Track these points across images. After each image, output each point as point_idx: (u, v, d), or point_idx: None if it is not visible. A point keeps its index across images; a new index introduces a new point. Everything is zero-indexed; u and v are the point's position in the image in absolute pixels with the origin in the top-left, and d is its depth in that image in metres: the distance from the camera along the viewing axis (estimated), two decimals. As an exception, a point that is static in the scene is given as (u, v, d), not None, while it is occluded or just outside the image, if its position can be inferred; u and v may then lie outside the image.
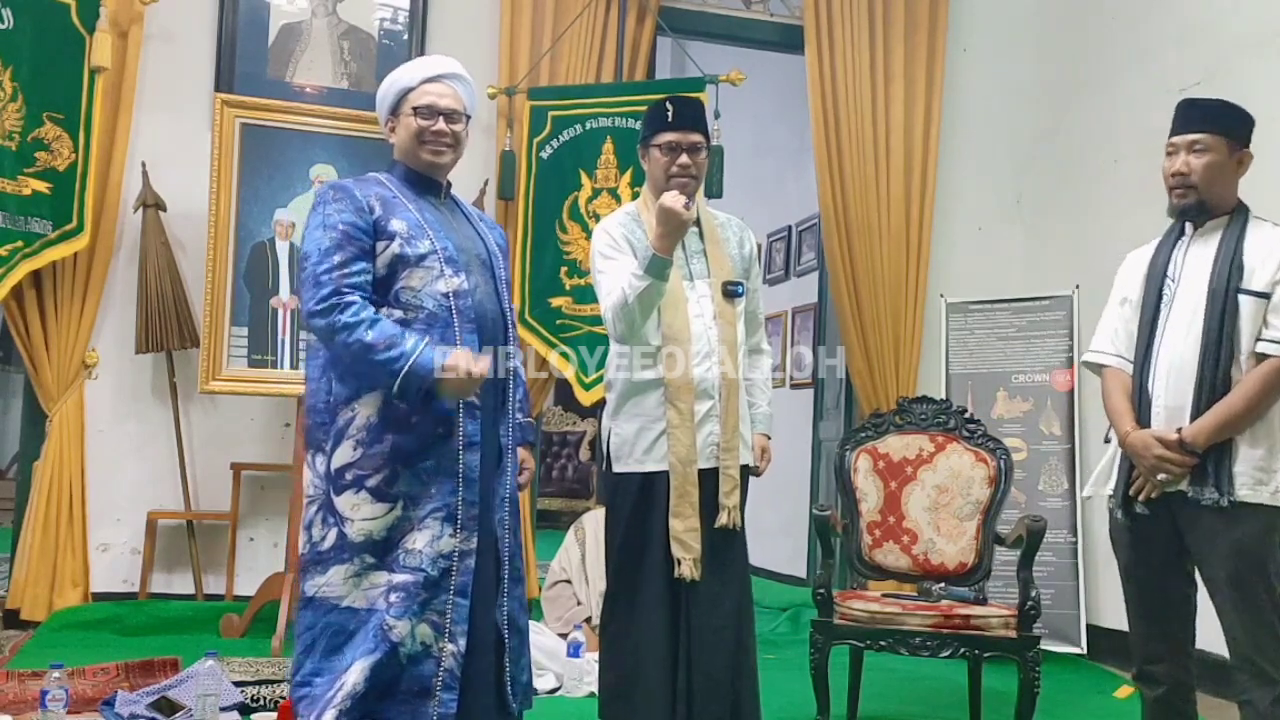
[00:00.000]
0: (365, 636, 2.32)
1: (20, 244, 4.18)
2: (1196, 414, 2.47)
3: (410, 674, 2.33)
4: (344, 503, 2.36)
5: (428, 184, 2.55)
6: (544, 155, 4.78)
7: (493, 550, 2.47)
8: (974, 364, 5.03)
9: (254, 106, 4.39)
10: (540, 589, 4.54)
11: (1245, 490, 2.44)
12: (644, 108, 2.97)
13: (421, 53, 4.85)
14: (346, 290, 2.32)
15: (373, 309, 2.33)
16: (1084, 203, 4.90)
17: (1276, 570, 2.44)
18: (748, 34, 5.50)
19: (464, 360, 2.31)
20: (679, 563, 2.73)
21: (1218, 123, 2.55)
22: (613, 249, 2.82)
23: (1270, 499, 2.44)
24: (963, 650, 3.13)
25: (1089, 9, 4.97)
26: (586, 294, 4.50)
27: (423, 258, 2.39)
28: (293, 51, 4.82)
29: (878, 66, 5.22)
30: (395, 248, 2.38)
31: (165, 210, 4.56)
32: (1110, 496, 2.65)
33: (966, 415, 3.54)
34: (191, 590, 4.62)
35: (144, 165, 4.55)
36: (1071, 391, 4.79)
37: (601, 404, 3.04)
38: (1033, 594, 3.09)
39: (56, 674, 2.89)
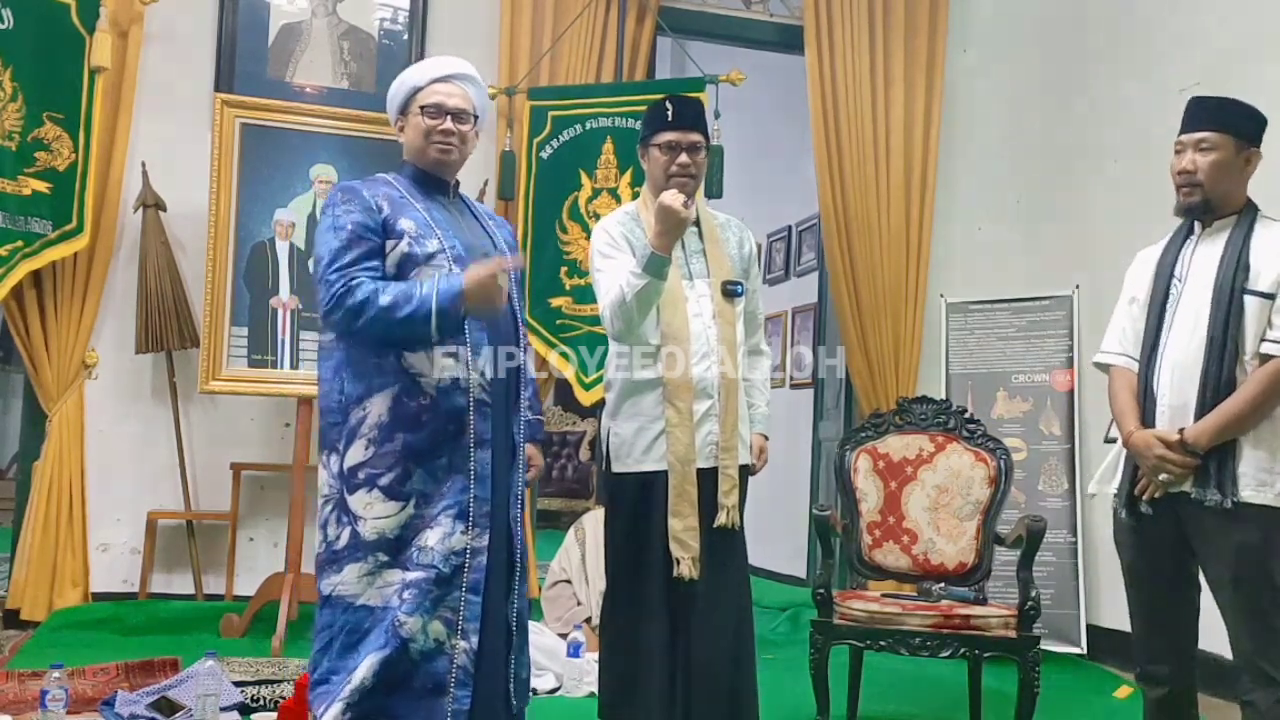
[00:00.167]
0: (378, 633, 2.34)
1: (20, 244, 4.18)
2: (1200, 414, 2.47)
3: (424, 671, 2.34)
4: (357, 501, 2.37)
5: (436, 183, 2.57)
6: (544, 155, 4.78)
7: (506, 547, 2.49)
8: (974, 364, 5.03)
9: (254, 106, 4.39)
10: (540, 589, 4.54)
11: (1249, 491, 2.43)
12: (644, 108, 2.97)
13: (421, 53, 4.86)
14: (354, 278, 2.34)
15: (379, 283, 2.35)
16: (1084, 203, 4.90)
17: None
18: (748, 34, 5.50)
19: (479, 271, 2.34)
20: (677, 562, 2.74)
21: (1225, 121, 2.53)
22: (612, 248, 2.82)
23: (1274, 500, 2.43)
24: (963, 650, 3.13)
25: (1089, 10, 4.97)
26: (586, 294, 4.50)
27: (431, 256, 2.41)
28: (293, 51, 4.82)
29: (878, 67, 5.22)
30: (404, 246, 2.39)
31: (165, 210, 4.56)
32: (1115, 496, 2.64)
33: (966, 415, 3.54)
34: (191, 590, 4.62)
35: (144, 165, 4.55)
36: (1071, 391, 4.79)
37: (601, 404, 3.04)
38: (1033, 594, 3.09)
39: (56, 674, 2.89)
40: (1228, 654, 2.52)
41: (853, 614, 3.17)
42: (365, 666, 2.31)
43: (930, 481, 3.44)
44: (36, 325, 4.37)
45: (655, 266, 2.65)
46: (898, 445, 3.51)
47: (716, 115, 4.59)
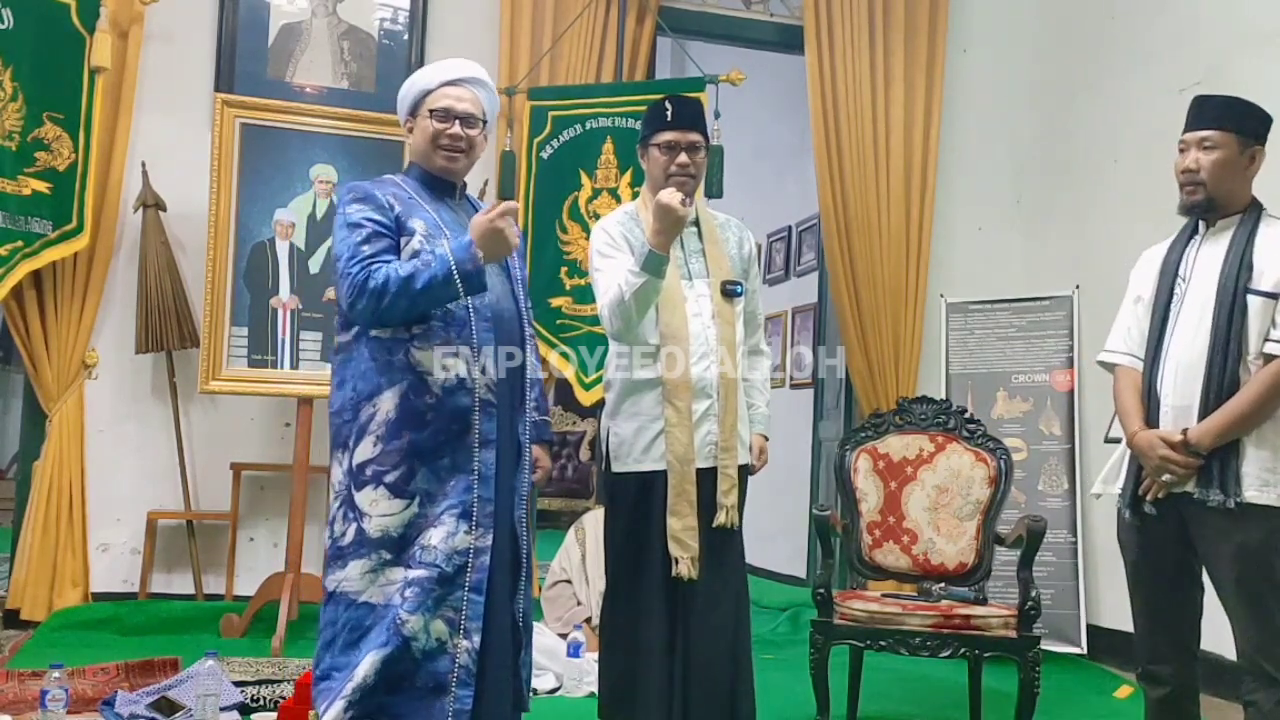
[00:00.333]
0: (380, 631, 2.34)
1: (20, 244, 4.18)
2: (1204, 414, 2.46)
3: (425, 670, 2.35)
4: (363, 498, 2.38)
5: (443, 185, 2.58)
6: (544, 155, 4.78)
7: (512, 547, 2.50)
8: (974, 364, 5.03)
9: (254, 106, 4.38)
10: (540, 589, 4.54)
11: (1252, 491, 2.42)
12: (644, 108, 2.98)
13: (422, 53, 4.87)
14: (373, 266, 2.35)
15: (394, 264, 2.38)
16: (1084, 203, 4.90)
17: None
18: (748, 34, 5.50)
19: (480, 219, 2.37)
20: (676, 561, 2.74)
21: (1228, 119, 2.53)
22: (611, 247, 2.82)
23: (1277, 500, 2.43)
24: (963, 650, 3.13)
25: (1089, 9, 4.97)
26: (586, 294, 4.50)
27: None
28: (293, 51, 4.82)
29: (878, 67, 5.22)
30: (415, 244, 2.41)
31: (165, 210, 4.57)
32: (1119, 496, 2.64)
33: (966, 415, 3.54)
34: (191, 590, 4.62)
35: (144, 165, 4.55)
36: (1071, 391, 4.79)
37: (601, 404, 3.04)
38: (1033, 594, 3.09)
39: (56, 674, 2.89)
40: (1230, 654, 2.52)
41: (853, 614, 3.17)
42: (367, 664, 2.32)
43: (930, 481, 3.44)
44: (36, 325, 4.37)
45: (653, 265, 2.65)
46: (898, 445, 3.51)
47: (716, 115, 4.59)
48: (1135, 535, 2.61)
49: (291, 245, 4.36)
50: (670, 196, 2.62)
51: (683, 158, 2.81)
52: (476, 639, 2.37)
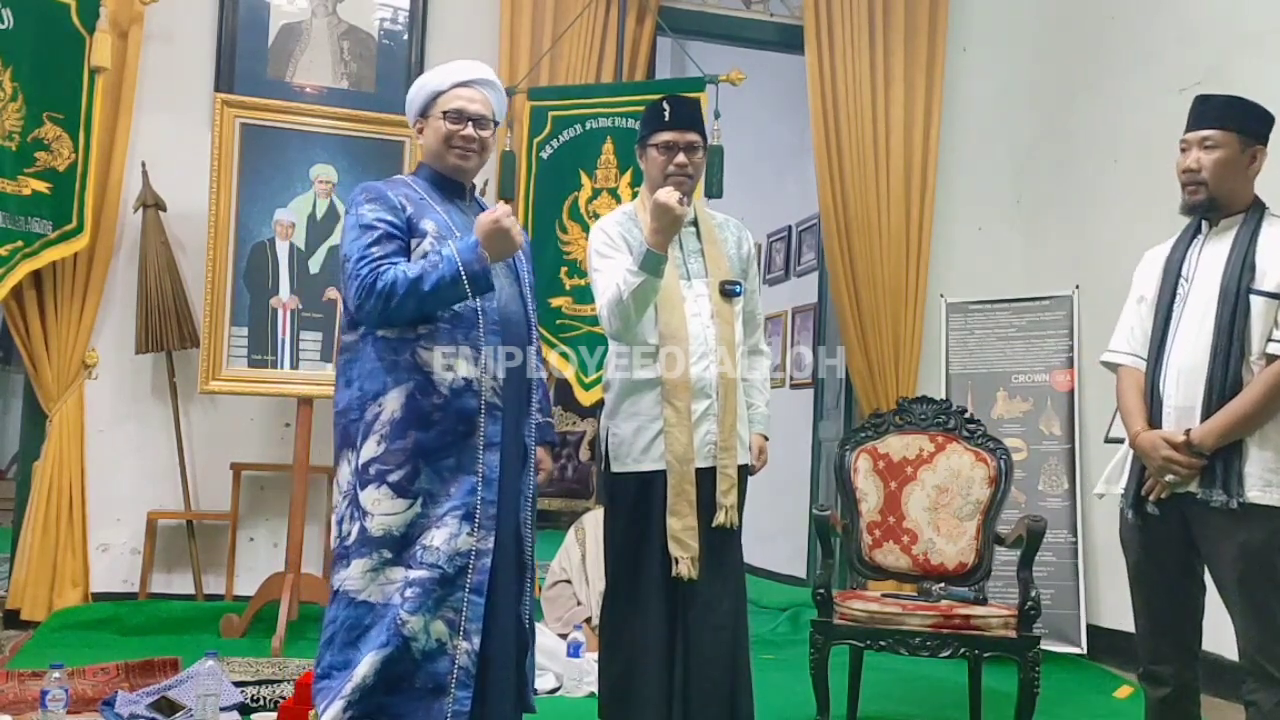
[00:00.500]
0: (380, 631, 2.34)
1: (20, 244, 4.18)
2: (1206, 415, 2.46)
3: (425, 671, 2.35)
4: (367, 497, 2.39)
5: (453, 187, 2.59)
6: (544, 155, 4.78)
7: (517, 549, 2.51)
8: (974, 364, 5.03)
9: (254, 106, 4.38)
10: (540, 589, 4.54)
11: (1255, 492, 2.42)
12: (644, 108, 2.97)
13: (422, 53, 4.88)
14: (381, 267, 2.36)
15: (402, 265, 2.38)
16: (1084, 203, 4.90)
17: None
18: (748, 34, 5.50)
19: (484, 218, 2.38)
20: (676, 561, 2.74)
21: (1229, 119, 2.52)
22: (609, 247, 2.82)
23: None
24: (963, 650, 3.13)
25: (1089, 9, 4.96)
26: (586, 294, 4.50)
27: None
28: (292, 51, 4.82)
29: (878, 67, 5.22)
30: (426, 246, 2.42)
31: (165, 210, 4.57)
32: (1122, 496, 2.64)
33: (966, 415, 3.54)
34: (191, 590, 4.62)
35: (144, 165, 4.55)
36: (1072, 391, 4.79)
37: (601, 404, 3.04)
38: (1033, 594, 3.09)
39: (56, 674, 2.89)
40: (1230, 654, 2.52)
41: (853, 614, 3.17)
42: (367, 664, 2.32)
43: (930, 481, 3.44)
44: (36, 325, 4.37)
45: (652, 264, 2.65)
46: (898, 445, 3.51)
47: (716, 115, 4.59)
48: (1138, 535, 2.61)
49: (291, 245, 4.36)
50: (668, 195, 2.62)
51: (680, 158, 2.81)
52: (476, 640, 2.38)
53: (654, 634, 2.75)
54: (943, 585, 3.33)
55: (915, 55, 5.27)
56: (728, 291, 2.86)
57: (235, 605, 4.45)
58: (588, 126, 4.74)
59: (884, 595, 3.39)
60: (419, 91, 2.58)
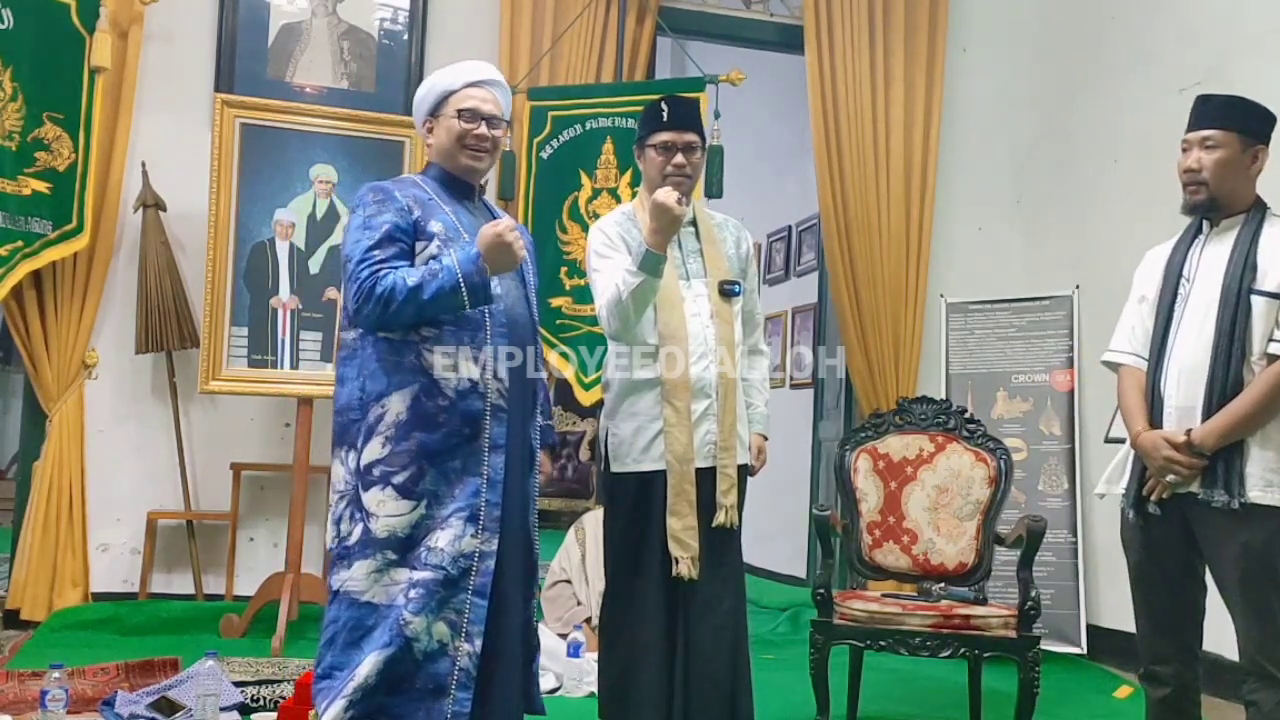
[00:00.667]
0: (383, 631, 2.34)
1: (20, 244, 4.18)
2: (1207, 415, 2.45)
3: (426, 672, 2.35)
4: (370, 498, 2.38)
5: (462, 187, 2.59)
6: (544, 155, 4.78)
7: (525, 551, 2.52)
8: (974, 364, 5.03)
9: (254, 106, 4.38)
10: (540, 589, 4.54)
11: (1256, 492, 2.42)
12: (644, 108, 2.97)
13: (422, 53, 4.88)
14: (381, 272, 2.35)
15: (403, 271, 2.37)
16: (1084, 203, 4.90)
17: None
18: (748, 34, 5.50)
19: (486, 230, 2.37)
20: (676, 561, 2.74)
21: (1231, 119, 2.52)
22: (608, 247, 2.82)
23: None
24: (963, 650, 3.13)
25: (1089, 9, 4.97)
26: (586, 294, 4.49)
27: None
28: (292, 51, 4.82)
29: (878, 67, 5.22)
30: (433, 249, 2.41)
31: (165, 210, 4.57)
32: (1123, 496, 2.64)
33: (966, 415, 3.54)
34: (191, 590, 4.62)
35: (144, 165, 4.55)
36: (1071, 391, 4.79)
37: (601, 404, 3.04)
38: (1033, 594, 3.09)
39: (56, 674, 2.89)
40: (1231, 654, 2.52)
41: (853, 614, 3.17)
42: (369, 664, 2.32)
43: (930, 481, 3.44)
44: (36, 325, 4.37)
45: (651, 264, 2.65)
46: (898, 445, 3.51)
47: (716, 115, 4.59)
48: (1139, 535, 2.60)
49: (291, 245, 4.36)
50: (666, 195, 2.62)
51: (679, 158, 2.80)
52: (478, 642, 2.38)
53: (654, 634, 2.75)
54: (943, 585, 3.33)
55: (915, 55, 5.27)
56: (727, 291, 2.86)
57: (235, 605, 4.45)
58: (588, 126, 4.74)
59: (884, 595, 3.39)
60: (429, 91, 2.57)
